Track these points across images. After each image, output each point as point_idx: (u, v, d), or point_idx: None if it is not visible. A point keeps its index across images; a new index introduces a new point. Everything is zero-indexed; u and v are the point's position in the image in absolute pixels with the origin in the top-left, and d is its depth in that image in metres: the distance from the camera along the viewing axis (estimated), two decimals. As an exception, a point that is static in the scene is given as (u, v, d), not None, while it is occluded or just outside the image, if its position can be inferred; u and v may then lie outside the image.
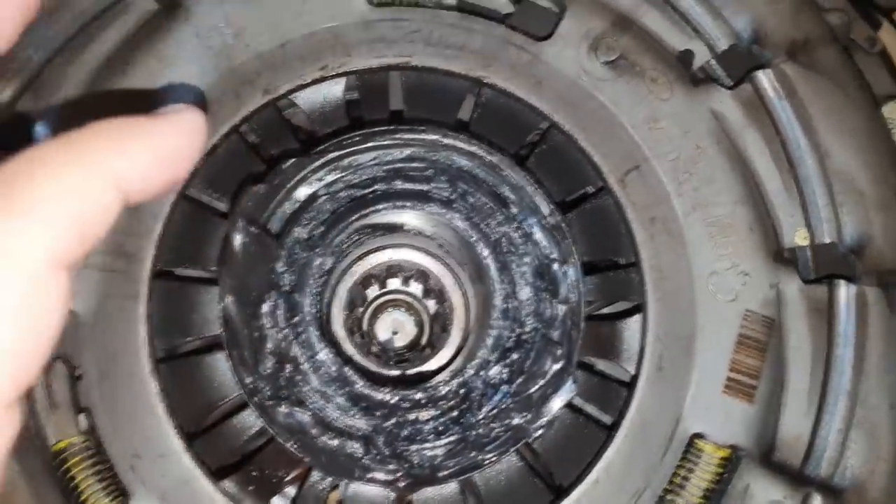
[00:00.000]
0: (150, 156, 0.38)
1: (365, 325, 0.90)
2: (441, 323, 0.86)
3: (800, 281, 0.70)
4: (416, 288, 0.91)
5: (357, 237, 0.78)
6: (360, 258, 0.82)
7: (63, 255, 0.35)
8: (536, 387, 0.68)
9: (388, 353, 0.88)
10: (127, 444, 0.66)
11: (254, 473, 0.69)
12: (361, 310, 0.90)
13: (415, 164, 0.70)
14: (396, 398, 0.69)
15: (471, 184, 0.71)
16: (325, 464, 0.67)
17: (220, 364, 0.69)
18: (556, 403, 0.68)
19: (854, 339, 0.69)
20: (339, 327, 0.80)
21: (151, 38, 0.72)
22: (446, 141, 0.69)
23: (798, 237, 0.73)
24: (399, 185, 0.71)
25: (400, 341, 0.93)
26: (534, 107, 0.72)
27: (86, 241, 0.36)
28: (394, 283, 0.91)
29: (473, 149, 0.69)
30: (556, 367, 0.68)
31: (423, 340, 0.91)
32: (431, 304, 0.91)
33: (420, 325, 0.93)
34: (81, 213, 0.35)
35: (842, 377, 0.68)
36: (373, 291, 0.90)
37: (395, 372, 0.79)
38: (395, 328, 0.94)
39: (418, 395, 0.69)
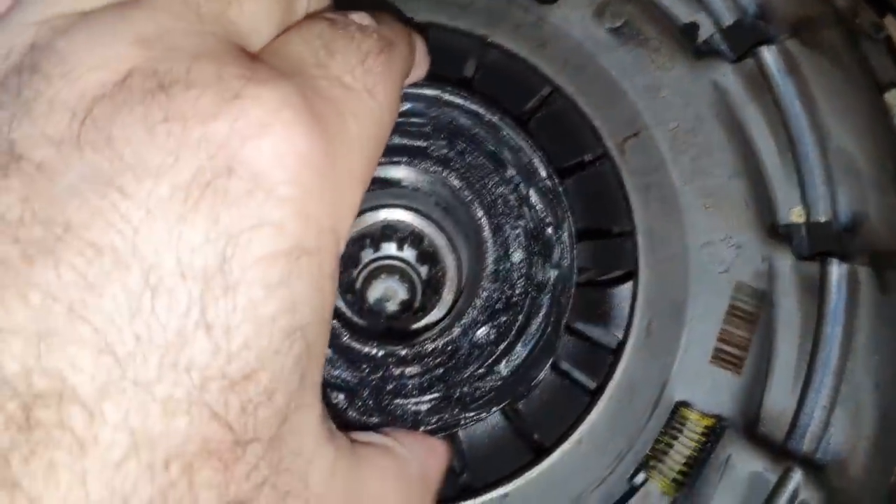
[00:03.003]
0: None
1: (358, 286, 0.90)
2: (433, 286, 0.86)
3: (792, 257, 0.70)
4: (409, 254, 0.91)
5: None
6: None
7: None
8: (523, 348, 0.68)
9: (378, 314, 0.88)
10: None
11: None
12: (355, 272, 0.90)
13: (413, 120, 0.70)
14: (382, 352, 0.68)
15: (469, 143, 0.70)
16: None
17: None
18: (543, 366, 0.68)
19: (843, 318, 0.69)
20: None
21: None
22: (446, 97, 0.68)
23: (793, 214, 0.73)
24: (396, 139, 0.70)
25: (391, 307, 0.93)
26: (536, 68, 0.71)
27: None
28: (388, 248, 0.90)
29: (474, 107, 0.69)
30: (544, 330, 0.68)
31: (416, 305, 0.91)
32: (424, 270, 0.91)
33: (412, 291, 0.92)
34: None
35: (829, 354, 0.68)
36: (367, 255, 0.90)
37: (383, 327, 0.79)
38: (387, 295, 0.94)
39: (404, 352, 0.69)
